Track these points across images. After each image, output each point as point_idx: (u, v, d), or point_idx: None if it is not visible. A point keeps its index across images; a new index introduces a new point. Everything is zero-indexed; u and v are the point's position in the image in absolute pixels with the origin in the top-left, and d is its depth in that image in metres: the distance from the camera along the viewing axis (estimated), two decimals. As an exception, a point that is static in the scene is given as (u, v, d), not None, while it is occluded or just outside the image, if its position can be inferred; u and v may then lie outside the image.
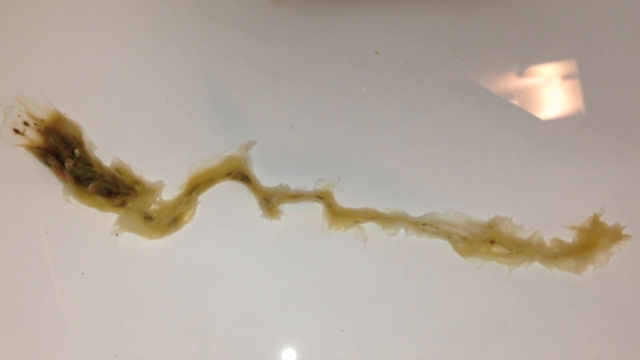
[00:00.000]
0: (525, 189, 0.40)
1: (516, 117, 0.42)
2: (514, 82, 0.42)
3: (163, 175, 0.39)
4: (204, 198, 0.39)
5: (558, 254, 0.39)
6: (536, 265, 0.39)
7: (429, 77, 0.43)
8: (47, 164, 0.38)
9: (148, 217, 0.39)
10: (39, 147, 0.38)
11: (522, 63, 0.43)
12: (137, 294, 0.38)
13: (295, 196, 0.39)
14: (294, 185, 0.40)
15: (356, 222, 0.39)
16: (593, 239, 0.39)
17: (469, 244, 0.39)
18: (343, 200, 0.40)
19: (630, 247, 0.39)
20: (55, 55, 0.40)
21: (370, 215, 0.40)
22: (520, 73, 0.43)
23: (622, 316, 0.39)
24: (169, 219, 0.39)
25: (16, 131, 0.38)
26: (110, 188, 0.38)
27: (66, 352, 0.37)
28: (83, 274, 0.38)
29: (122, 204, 0.38)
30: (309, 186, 0.40)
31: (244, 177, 0.40)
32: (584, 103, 0.42)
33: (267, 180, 0.40)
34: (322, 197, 0.40)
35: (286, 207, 0.39)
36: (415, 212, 0.40)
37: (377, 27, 0.44)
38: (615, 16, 0.43)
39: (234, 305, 0.39)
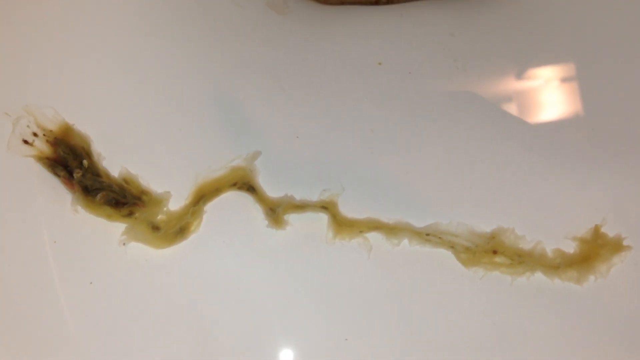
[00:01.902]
0: (527, 200, 0.41)
1: (518, 126, 0.42)
2: (516, 91, 0.43)
3: (170, 185, 0.40)
4: (210, 208, 0.40)
5: (560, 265, 0.39)
6: (538, 276, 0.39)
7: (432, 88, 0.43)
8: (55, 174, 0.39)
9: (155, 227, 0.39)
10: (47, 158, 0.39)
11: (524, 72, 0.43)
12: (144, 303, 0.38)
13: (301, 206, 0.40)
14: (299, 196, 0.40)
15: (360, 232, 0.40)
16: (594, 250, 0.39)
17: (472, 254, 0.40)
18: (347, 210, 0.40)
19: (631, 258, 0.39)
20: (64, 67, 0.41)
21: (375, 226, 0.40)
22: (522, 82, 0.43)
23: (623, 327, 0.39)
24: (176, 229, 0.39)
25: (25, 142, 0.39)
26: (118, 198, 0.39)
27: (75, 361, 0.38)
28: (91, 283, 0.38)
29: (130, 214, 0.39)
30: (314, 196, 0.40)
31: (250, 188, 0.40)
32: (586, 114, 0.42)
33: (272, 190, 0.40)
34: (327, 207, 0.40)
35: (291, 217, 0.40)
36: (418, 223, 0.40)
37: (381, 38, 0.44)
38: (615, 23, 0.44)
39: (240, 313, 0.39)
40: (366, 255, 0.40)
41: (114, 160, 0.40)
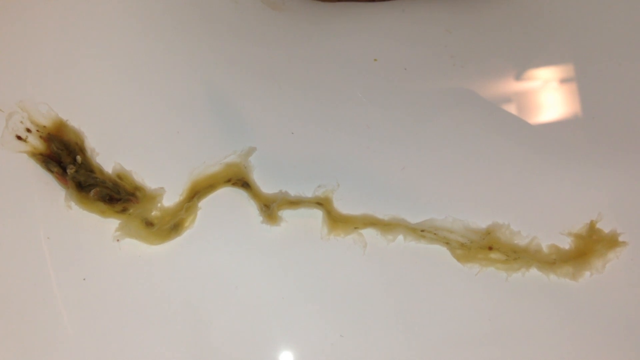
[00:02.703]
0: (523, 195, 0.41)
1: (514, 123, 0.42)
2: (511, 89, 0.43)
3: (164, 181, 0.40)
4: (205, 204, 0.40)
5: (555, 261, 0.39)
6: (533, 272, 0.39)
7: (428, 84, 0.43)
8: (49, 170, 0.39)
9: (149, 223, 0.39)
10: (41, 154, 0.39)
11: (520, 70, 0.43)
12: (138, 299, 0.38)
13: (295, 202, 0.40)
14: (293, 192, 0.40)
15: (355, 228, 0.40)
16: (590, 246, 0.39)
17: (467, 250, 0.39)
18: (342, 206, 0.40)
19: (627, 254, 0.39)
20: (58, 62, 0.41)
21: (370, 222, 0.40)
22: (518, 80, 0.43)
23: (618, 322, 0.39)
24: (170, 225, 0.39)
25: (19, 138, 0.39)
26: (112, 194, 0.39)
27: (67, 358, 0.37)
28: (84, 279, 0.38)
29: (124, 210, 0.39)
30: (309, 192, 0.40)
31: (244, 184, 0.40)
32: (581, 110, 0.42)
33: (267, 186, 0.40)
34: (322, 203, 0.40)
35: (286, 214, 0.40)
36: (413, 219, 0.40)
37: (376, 34, 0.44)
38: (613, 23, 0.44)
39: (234, 310, 0.39)
40: (361, 251, 0.40)
41: (107, 156, 0.40)
